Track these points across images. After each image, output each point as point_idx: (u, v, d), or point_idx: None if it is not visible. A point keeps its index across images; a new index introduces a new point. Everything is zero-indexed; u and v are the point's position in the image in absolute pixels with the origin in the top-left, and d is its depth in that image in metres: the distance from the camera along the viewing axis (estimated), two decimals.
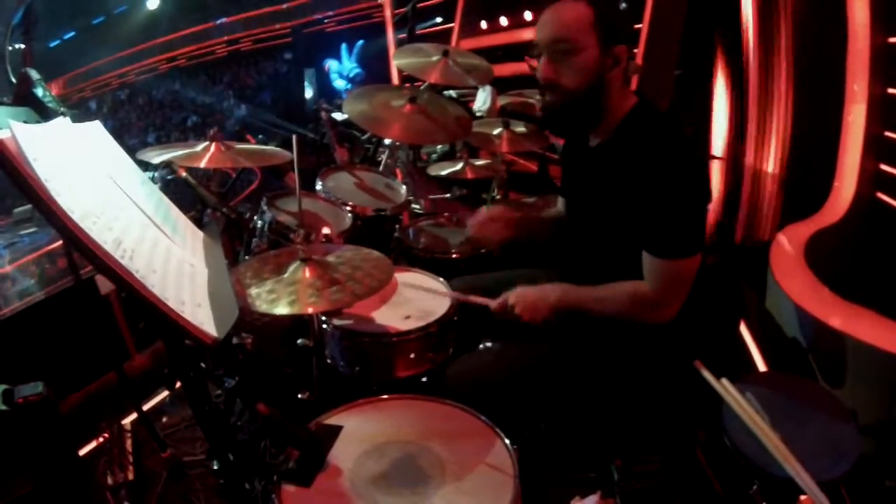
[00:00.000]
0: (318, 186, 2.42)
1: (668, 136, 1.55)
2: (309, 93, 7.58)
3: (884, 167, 2.60)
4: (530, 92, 3.41)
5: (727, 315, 2.39)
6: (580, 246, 1.80)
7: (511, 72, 4.30)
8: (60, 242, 2.95)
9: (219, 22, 8.27)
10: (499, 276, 1.86)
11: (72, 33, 7.51)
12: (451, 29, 6.34)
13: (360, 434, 1.41)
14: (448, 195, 3.05)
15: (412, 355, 1.76)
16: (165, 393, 2.58)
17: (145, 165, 1.98)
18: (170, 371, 2.32)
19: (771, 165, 3.31)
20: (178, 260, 1.30)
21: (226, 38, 8.35)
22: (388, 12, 7.01)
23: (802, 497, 1.23)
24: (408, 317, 1.81)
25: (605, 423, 1.75)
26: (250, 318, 1.78)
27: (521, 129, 2.81)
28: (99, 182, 1.26)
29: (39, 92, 2.27)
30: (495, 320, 1.70)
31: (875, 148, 2.62)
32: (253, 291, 1.47)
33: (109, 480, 1.99)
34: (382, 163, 3.04)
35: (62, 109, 2.19)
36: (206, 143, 2.15)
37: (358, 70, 7.61)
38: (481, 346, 1.89)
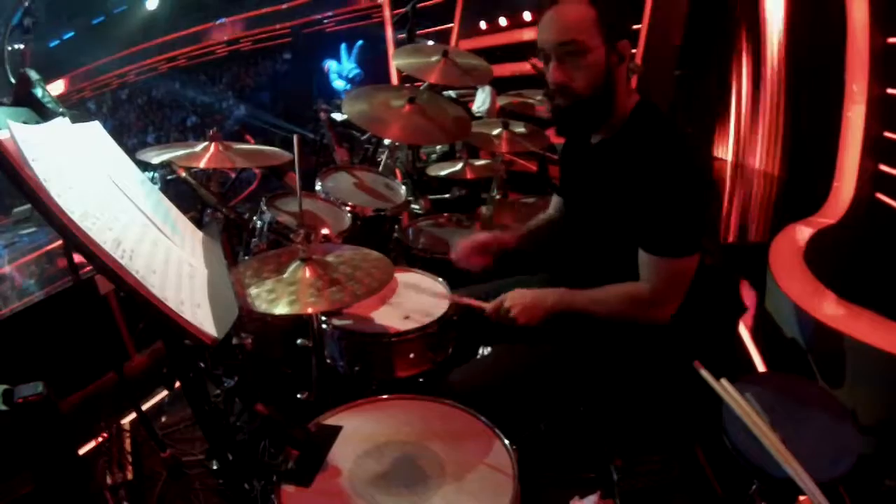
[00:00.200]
0: (318, 186, 2.41)
1: (672, 134, 1.55)
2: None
3: (883, 167, 2.60)
4: (529, 92, 3.41)
5: (726, 315, 2.39)
6: (577, 245, 1.79)
7: (510, 72, 4.31)
8: (60, 242, 2.95)
9: (219, 22, 8.28)
10: (489, 289, 1.86)
11: (72, 33, 7.52)
12: (450, 29, 6.34)
13: (360, 434, 1.41)
14: (448, 195, 3.06)
15: (412, 355, 1.76)
16: (164, 393, 2.58)
17: (145, 165, 1.99)
18: (169, 371, 2.33)
19: (771, 166, 3.31)
20: (177, 260, 1.30)
21: (226, 38, 8.35)
22: (387, 12, 7.02)
23: (802, 497, 1.23)
24: (407, 317, 1.82)
25: (605, 423, 1.75)
26: (249, 320, 1.78)
27: (520, 129, 2.81)
28: (98, 182, 1.26)
29: (39, 92, 2.27)
30: (492, 325, 1.70)
31: (874, 148, 2.63)
32: (253, 291, 1.46)
33: (109, 480, 1.99)
34: (382, 163, 3.04)
35: (61, 110, 2.19)
36: (206, 143, 2.15)
37: (357, 70, 7.61)
38: (479, 353, 1.89)
